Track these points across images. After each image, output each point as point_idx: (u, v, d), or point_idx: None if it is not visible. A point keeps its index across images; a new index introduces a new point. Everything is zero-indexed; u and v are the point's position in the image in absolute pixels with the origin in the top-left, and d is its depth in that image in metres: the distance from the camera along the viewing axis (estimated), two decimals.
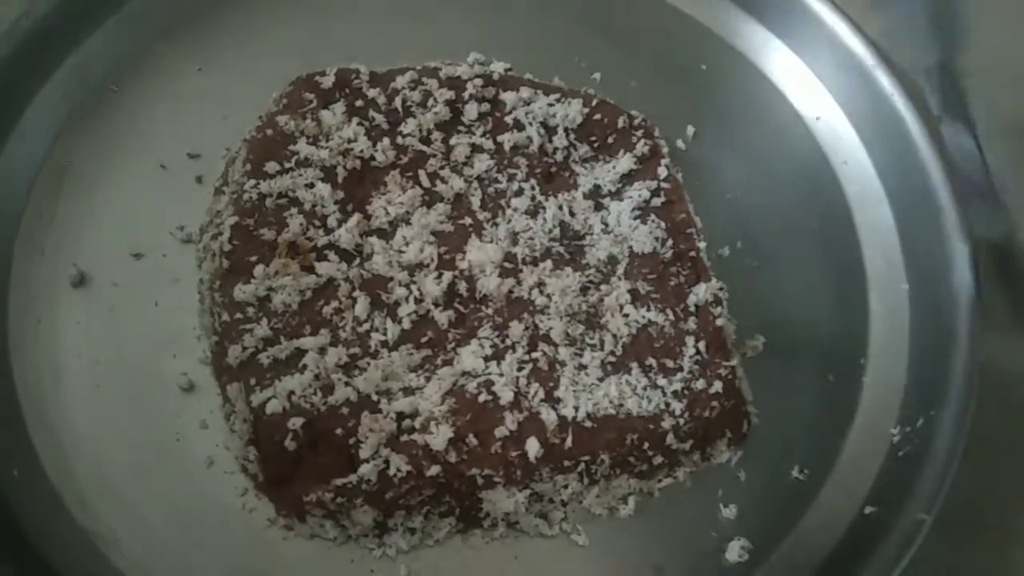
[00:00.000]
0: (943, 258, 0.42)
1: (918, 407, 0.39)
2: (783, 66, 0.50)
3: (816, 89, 0.49)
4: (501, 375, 0.37)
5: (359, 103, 0.44)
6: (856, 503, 0.38)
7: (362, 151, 0.43)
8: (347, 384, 0.37)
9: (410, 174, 0.43)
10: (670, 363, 0.39)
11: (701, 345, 0.39)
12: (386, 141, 0.43)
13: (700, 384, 0.38)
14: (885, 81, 0.46)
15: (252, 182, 0.41)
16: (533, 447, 0.36)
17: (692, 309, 0.40)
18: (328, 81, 0.44)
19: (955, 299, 0.41)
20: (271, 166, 0.41)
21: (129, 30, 0.47)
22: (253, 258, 0.39)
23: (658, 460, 0.38)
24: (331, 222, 0.41)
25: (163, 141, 0.46)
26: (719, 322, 0.40)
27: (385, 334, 0.38)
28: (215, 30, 0.49)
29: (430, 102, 0.44)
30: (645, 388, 0.38)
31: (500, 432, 0.36)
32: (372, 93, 0.44)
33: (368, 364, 0.37)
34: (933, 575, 0.37)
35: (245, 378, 0.37)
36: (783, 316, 0.43)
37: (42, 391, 0.39)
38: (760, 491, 0.39)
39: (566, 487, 0.37)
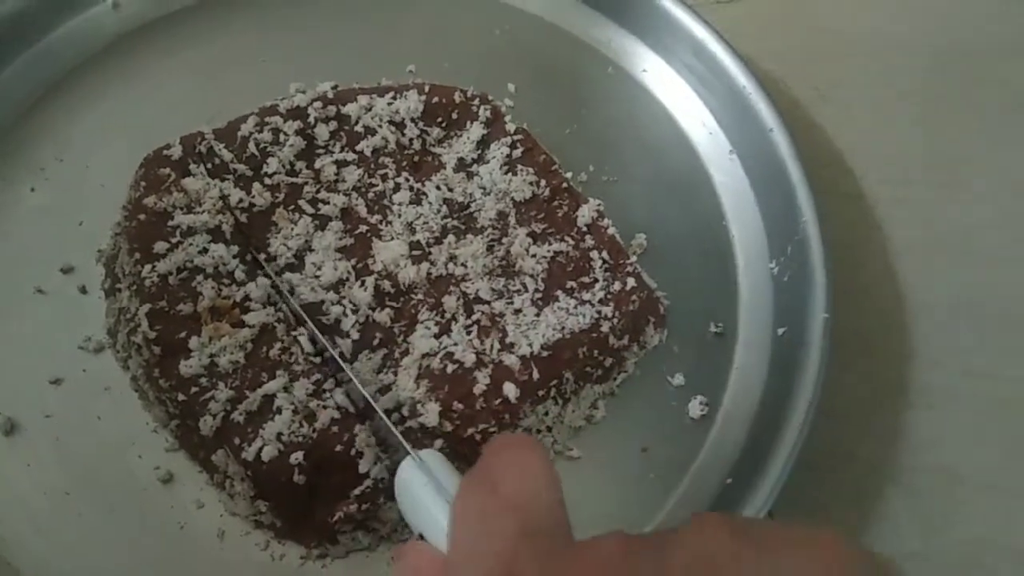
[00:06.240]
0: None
1: (781, 239, 0.47)
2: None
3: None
4: (456, 344, 0.41)
5: (215, 161, 0.45)
6: (767, 329, 0.45)
7: (240, 201, 0.44)
8: (325, 407, 0.39)
9: (292, 207, 0.45)
10: (586, 279, 0.44)
11: (604, 255, 0.45)
12: (257, 186, 0.45)
13: (617, 286, 0.44)
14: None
15: (148, 267, 0.41)
16: (511, 390, 0.39)
17: (584, 229, 0.46)
18: (176, 151, 0.45)
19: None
20: (159, 246, 0.42)
21: None
22: (182, 335, 0.40)
23: (608, 362, 0.43)
24: (239, 275, 0.42)
25: (29, 266, 0.45)
26: (610, 231, 0.46)
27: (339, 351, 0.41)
28: (31, 150, 0.49)
29: (281, 137, 0.46)
30: (576, 307, 0.43)
31: (478, 390, 0.39)
32: (223, 147, 0.45)
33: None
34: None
35: (227, 441, 0.38)
36: (649, 213, 0.50)
37: (25, 541, 0.38)
38: (693, 355, 0.45)
39: (547, 414, 0.41)
